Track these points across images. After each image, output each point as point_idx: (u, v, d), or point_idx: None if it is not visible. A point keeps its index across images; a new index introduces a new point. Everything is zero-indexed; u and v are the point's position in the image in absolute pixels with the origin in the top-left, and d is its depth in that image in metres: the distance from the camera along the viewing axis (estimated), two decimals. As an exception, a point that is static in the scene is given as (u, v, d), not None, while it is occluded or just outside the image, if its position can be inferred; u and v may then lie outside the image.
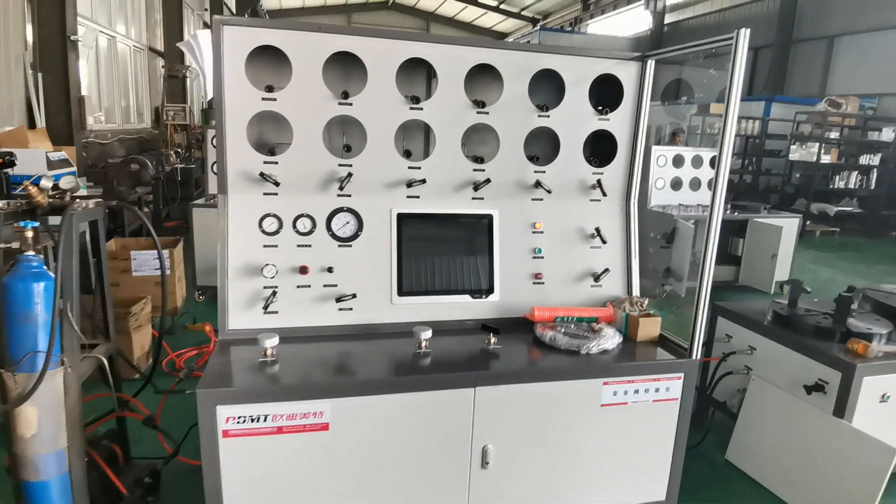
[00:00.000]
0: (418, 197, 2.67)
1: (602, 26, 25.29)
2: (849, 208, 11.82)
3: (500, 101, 2.66)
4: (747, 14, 18.53)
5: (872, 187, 12.07)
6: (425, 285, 2.66)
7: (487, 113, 2.66)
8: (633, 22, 23.22)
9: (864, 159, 11.93)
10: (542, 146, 2.86)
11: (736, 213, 6.86)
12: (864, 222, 11.96)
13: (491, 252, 2.73)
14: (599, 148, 2.94)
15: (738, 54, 2.18)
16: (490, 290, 2.72)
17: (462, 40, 2.60)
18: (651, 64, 2.78)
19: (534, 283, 2.78)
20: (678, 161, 7.00)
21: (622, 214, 2.91)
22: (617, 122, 2.83)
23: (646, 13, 22.28)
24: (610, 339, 2.51)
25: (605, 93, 2.85)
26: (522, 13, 30.51)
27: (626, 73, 2.79)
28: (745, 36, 2.16)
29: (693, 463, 3.30)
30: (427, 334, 2.39)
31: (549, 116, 2.74)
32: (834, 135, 11.66)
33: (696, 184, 7.11)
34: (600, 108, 2.79)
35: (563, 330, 2.56)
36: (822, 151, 11.42)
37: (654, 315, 2.66)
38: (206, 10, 17.43)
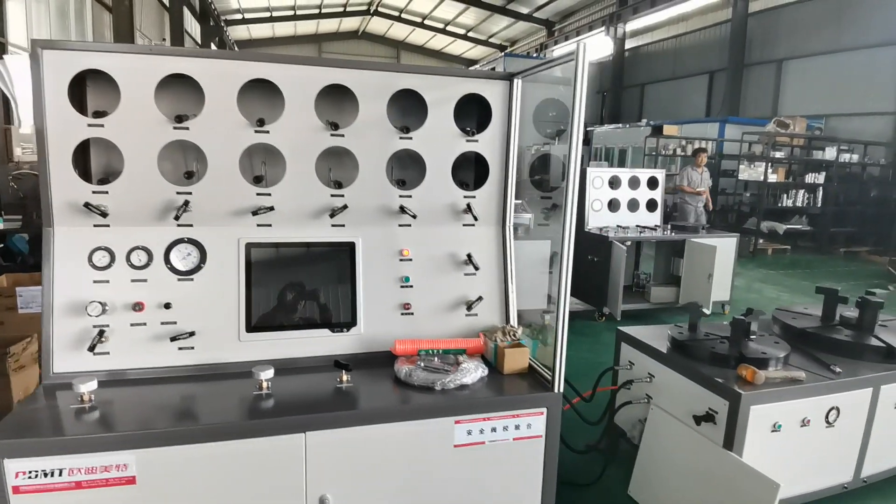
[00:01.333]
0: (270, 225, 2.50)
1: (566, 51, 25.76)
2: (798, 226, 11.94)
3: (356, 123, 2.52)
4: (702, 39, 19.00)
5: (819, 205, 12.23)
6: (278, 320, 2.48)
7: (343, 136, 2.52)
8: (596, 47, 23.64)
9: (809, 178, 12.12)
10: (409, 170, 2.72)
11: (673, 234, 6.80)
12: (814, 239, 12.08)
13: (354, 282, 2.57)
14: (474, 171, 2.81)
15: (580, 69, 2.08)
16: (352, 323, 2.55)
17: (313, 60, 2.48)
18: (518, 83, 2.68)
19: (402, 313, 2.62)
20: (615, 182, 6.96)
21: (497, 239, 2.77)
22: (486, 144, 2.71)
23: (607, 39, 22.71)
24: (471, 373, 2.34)
25: (476, 114, 2.74)
26: (490, 40, 31.02)
27: (493, 92, 2.68)
28: (584, 50, 2.06)
29: (593, 499, 3.12)
30: (268, 374, 2.21)
31: (411, 139, 2.60)
32: (779, 154, 11.83)
33: (633, 205, 7.07)
34: (467, 129, 2.67)
35: (422, 364, 2.39)
36: (770, 171, 11.55)
37: (523, 346, 2.50)
38: (164, 40, 17.34)
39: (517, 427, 2.27)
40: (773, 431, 2.68)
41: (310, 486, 2.09)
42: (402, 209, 2.60)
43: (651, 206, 7.16)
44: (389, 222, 2.64)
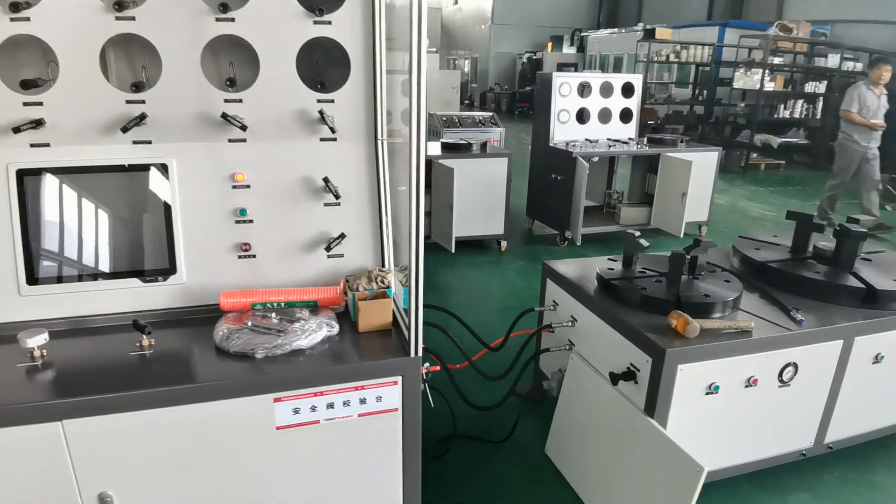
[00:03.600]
0: (48, 145, 1.88)
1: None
2: (794, 139, 11.14)
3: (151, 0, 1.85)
4: (707, -70, 17.24)
5: (818, 117, 11.35)
6: (71, 269, 1.91)
7: (133, 18, 1.85)
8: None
9: (809, 87, 11.15)
10: (242, 67, 2.06)
11: (647, 148, 6.11)
12: (810, 154, 11.30)
13: (169, 217, 1.98)
14: (332, 67, 2.15)
15: None
16: (171, 270, 1.99)
17: None
18: (382, -61, 1.96)
19: (240, 256, 2.05)
20: (585, 90, 6.18)
21: (366, 159, 2.15)
22: (344, 28, 2.03)
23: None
24: (311, 334, 1.81)
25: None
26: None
27: (347, -47, 1.97)
28: None
29: (507, 457, 2.70)
30: (38, 340, 1.68)
31: (233, 20, 1.93)
32: (779, 60, 10.83)
33: (605, 115, 6.33)
34: (315, 7, 1.98)
35: (250, 324, 1.85)
36: (768, 79, 10.60)
37: (388, 296, 1.96)
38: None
39: (363, 401, 1.76)
40: (707, 394, 2.19)
41: (82, 483, 1.61)
42: (227, 118, 1.96)
43: (625, 116, 6.41)
44: (215, 137, 2.01)
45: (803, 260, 2.83)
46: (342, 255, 2.14)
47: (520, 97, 21.35)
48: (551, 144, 6.03)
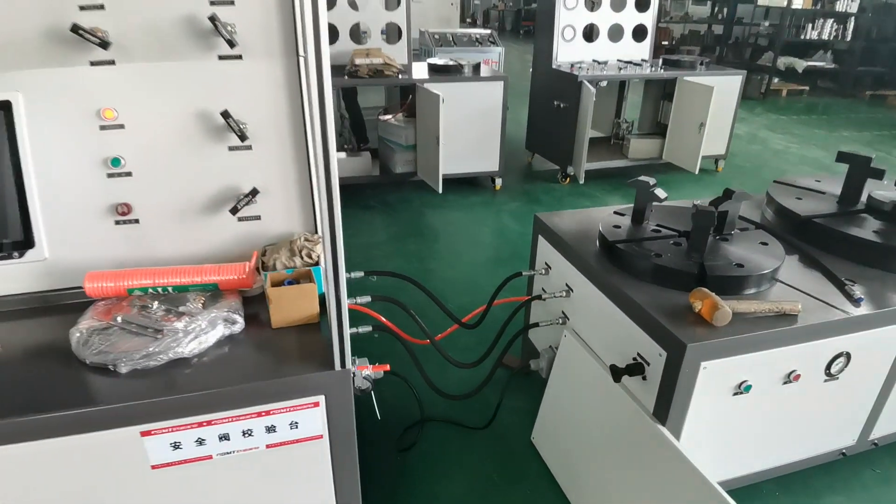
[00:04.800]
0: None
1: None
2: (821, 63, 10.18)
3: None
4: None
5: (848, 39, 10.32)
6: None
7: None
8: None
9: (841, 4, 10.04)
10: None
11: (662, 71, 5.39)
12: (836, 80, 10.35)
13: (19, 173, 1.44)
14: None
15: None
16: (27, 243, 1.48)
17: None
18: None
19: (118, 221, 1.53)
20: (593, 3, 5.39)
21: (285, 83, 1.57)
22: None
23: None
24: (196, 337, 1.32)
25: None
26: None
27: None
28: None
29: (487, 447, 2.29)
30: None
31: None
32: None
33: (616, 33, 5.56)
34: None
35: (120, 318, 1.36)
36: (796, -6, 9.55)
37: (312, 278, 1.45)
38: None
39: (271, 429, 1.29)
40: (736, 394, 1.71)
41: None
42: (80, 32, 1.38)
43: (639, 33, 5.64)
44: (72, 60, 1.43)
45: (855, 214, 2.28)
46: (258, 218, 1.61)
47: (525, 15, 19.91)
48: (554, 66, 5.31)
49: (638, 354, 1.75)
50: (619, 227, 2.11)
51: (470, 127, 4.88)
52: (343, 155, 4.96)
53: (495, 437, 2.35)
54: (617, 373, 1.76)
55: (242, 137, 1.52)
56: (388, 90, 5.80)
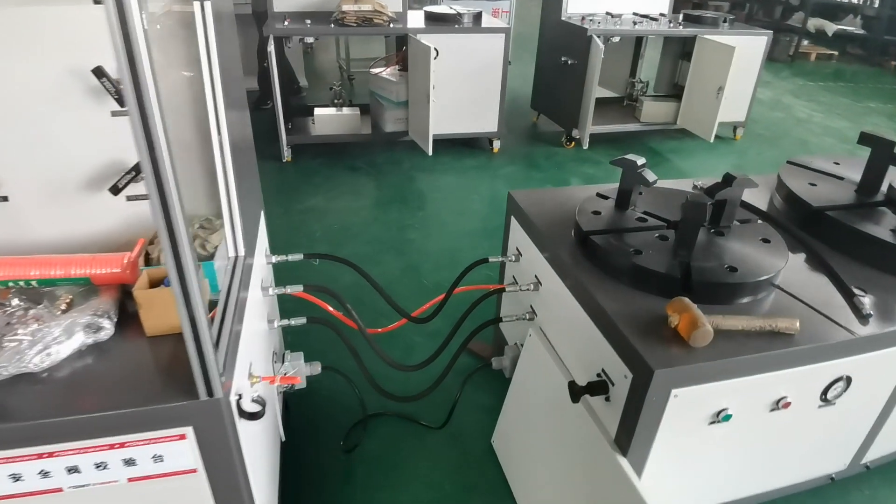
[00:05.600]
0: None
1: None
2: (850, 28, 9.47)
3: None
4: None
5: (876, 5, 9.54)
6: None
7: None
8: None
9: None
10: None
11: (681, 27, 4.93)
12: (865, 46, 9.62)
13: None
14: None
15: None
16: None
17: None
18: None
19: (-20, 196, 1.29)
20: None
21: (177, 30, 1.28)
22: None
23: None
24: (47, 348, 1.09)
25: None
26: None
27: None
28: None
29: (443, 448, 2.09)
30: None
31: None
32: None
33: (633, -17, 5.09)
34: None
35: (-38, 318, 1.13)
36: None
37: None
38: None
39: (130, 462, 1.07)
40: (712, 423, 1.46)
41: None
42: None
43: (659, -15, 5.17)
44: None
45: (873, 207, 1.96)
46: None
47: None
48: (563, 18, 4.89)
49: (603, 371, 1.50)
50: (598, 213, 1.83)
51: (467, 83, 4.52)
52: (333, 111, 4.65)
53: (452, 437, 2.14)
54: (576, 392, 1.51)
55: (122, 101, 1.25)
56: (388, 41, 5.41)
